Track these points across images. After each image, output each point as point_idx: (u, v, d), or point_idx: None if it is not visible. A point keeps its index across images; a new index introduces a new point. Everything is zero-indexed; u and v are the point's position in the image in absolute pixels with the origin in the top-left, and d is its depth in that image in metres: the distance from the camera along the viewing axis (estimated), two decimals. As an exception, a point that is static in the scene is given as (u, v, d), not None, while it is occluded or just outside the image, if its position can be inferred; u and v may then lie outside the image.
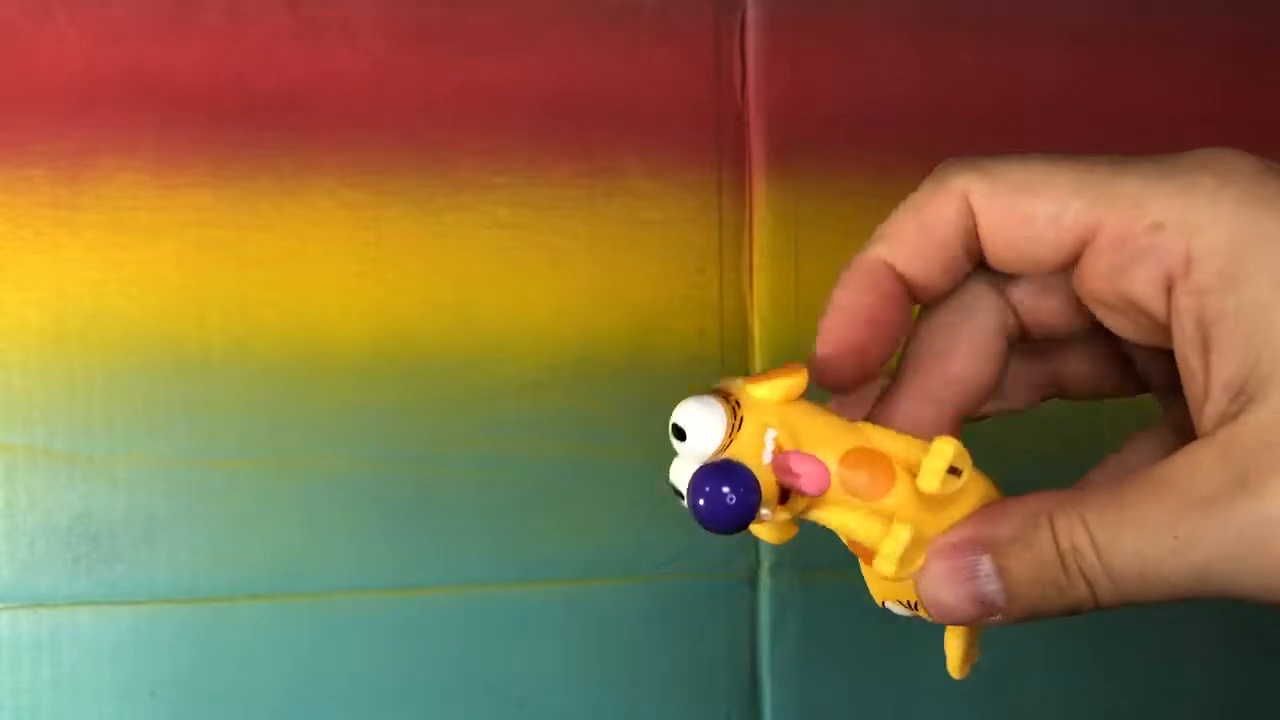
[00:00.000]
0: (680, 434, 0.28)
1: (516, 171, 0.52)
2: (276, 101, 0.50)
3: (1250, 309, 0.25)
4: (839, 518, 0.28)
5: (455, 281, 0.51)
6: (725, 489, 0.27)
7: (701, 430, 0.28)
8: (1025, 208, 0.28)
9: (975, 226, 0.28)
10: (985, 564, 0.27)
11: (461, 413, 0.51)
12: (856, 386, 0.30)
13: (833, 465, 0.28)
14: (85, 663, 0.48)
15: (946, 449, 0.27)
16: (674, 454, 0.29)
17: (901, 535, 0.27)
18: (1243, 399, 0.25)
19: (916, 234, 0.29)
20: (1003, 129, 0.56)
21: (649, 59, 0.53)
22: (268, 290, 0.50)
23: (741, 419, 0.28)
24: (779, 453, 0.28)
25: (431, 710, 0.51)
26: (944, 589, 0.27)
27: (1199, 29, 0.58)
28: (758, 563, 0.54)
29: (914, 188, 0.30)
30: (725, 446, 0.28)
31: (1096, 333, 0.31)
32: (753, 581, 0.54)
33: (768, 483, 0.28)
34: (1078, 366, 0.32)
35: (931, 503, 0.28)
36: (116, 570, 0.48)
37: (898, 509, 0.28)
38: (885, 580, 0.29)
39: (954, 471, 0.27)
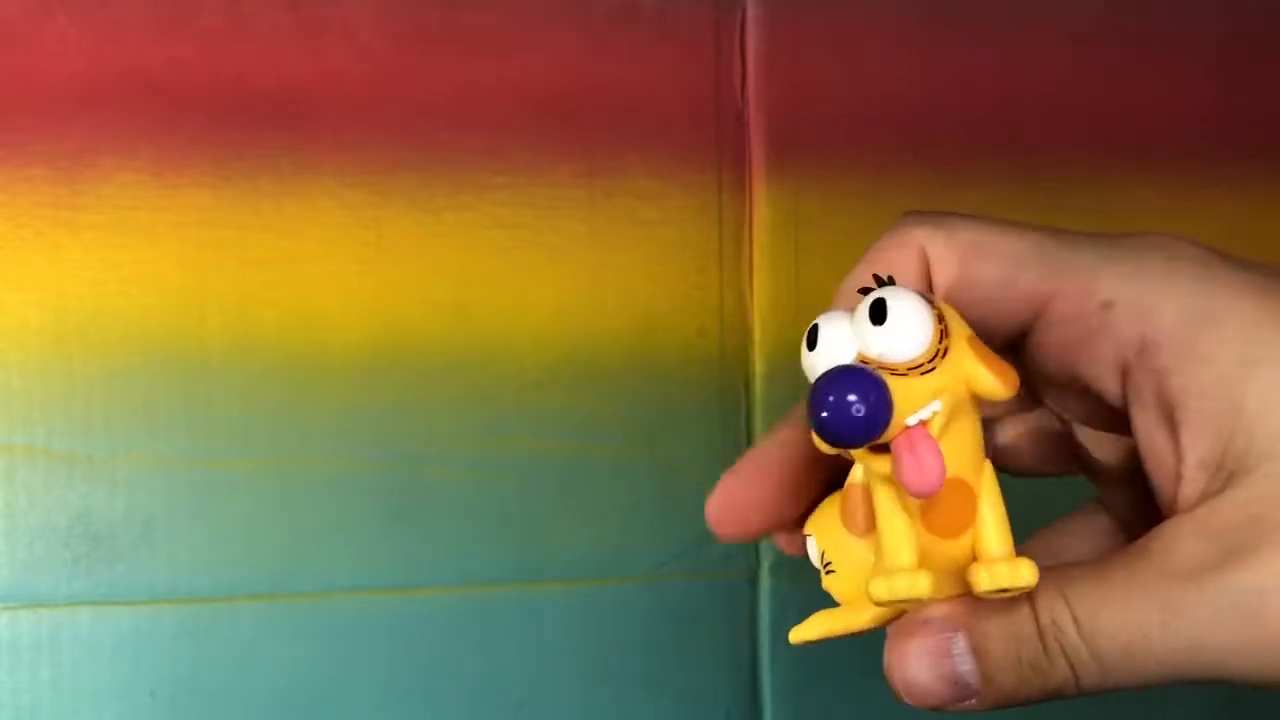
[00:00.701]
0: (879, 313, 0.24)
1: (516, 171, 0.52)
2: (276, 101, 0.50)
3: (1215, 387, 0.25)
4: (885, 518, 0.25)
5: (455, 281, 0.51)
6: (852, 397, 0.23)
7: (911, 328, 0.24)
8: (977, 269, 0.27)
9: (928, 272, 0.28)
10: (960, 642, 0.26)
11: (461, 413, 0.51)
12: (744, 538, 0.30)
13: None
14: (85, 663, 0.48)
15: (1026, 574, 0.24)
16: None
17: (922, 584, 0.24)
18: (1223, 475, 0.25)
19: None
20: (1003, 129, 0.56)
21: (649, 59, 0.53)
22: (268, 290, 0.50)
23: (945, 348, 0.24)
24: (921, 427, 0.24)
25: (431, 710, 0.51)
26: (915, 668, 0.26)
27: (1199, 29, 0.58)
28: (758, 563, 0.54)
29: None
30: (913, 366, 0.24)
31: (1037, 410, 0.30)
32: (753, 581, 0.54)
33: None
34: (1015, 443, 0.31)
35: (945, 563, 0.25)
36: (116, 570, 0.48)
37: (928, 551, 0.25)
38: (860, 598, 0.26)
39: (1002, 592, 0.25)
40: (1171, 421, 0.25)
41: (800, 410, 0.29)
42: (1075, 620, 0.25)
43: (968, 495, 0.25)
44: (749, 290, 0.54)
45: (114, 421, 0.48)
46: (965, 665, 0.26)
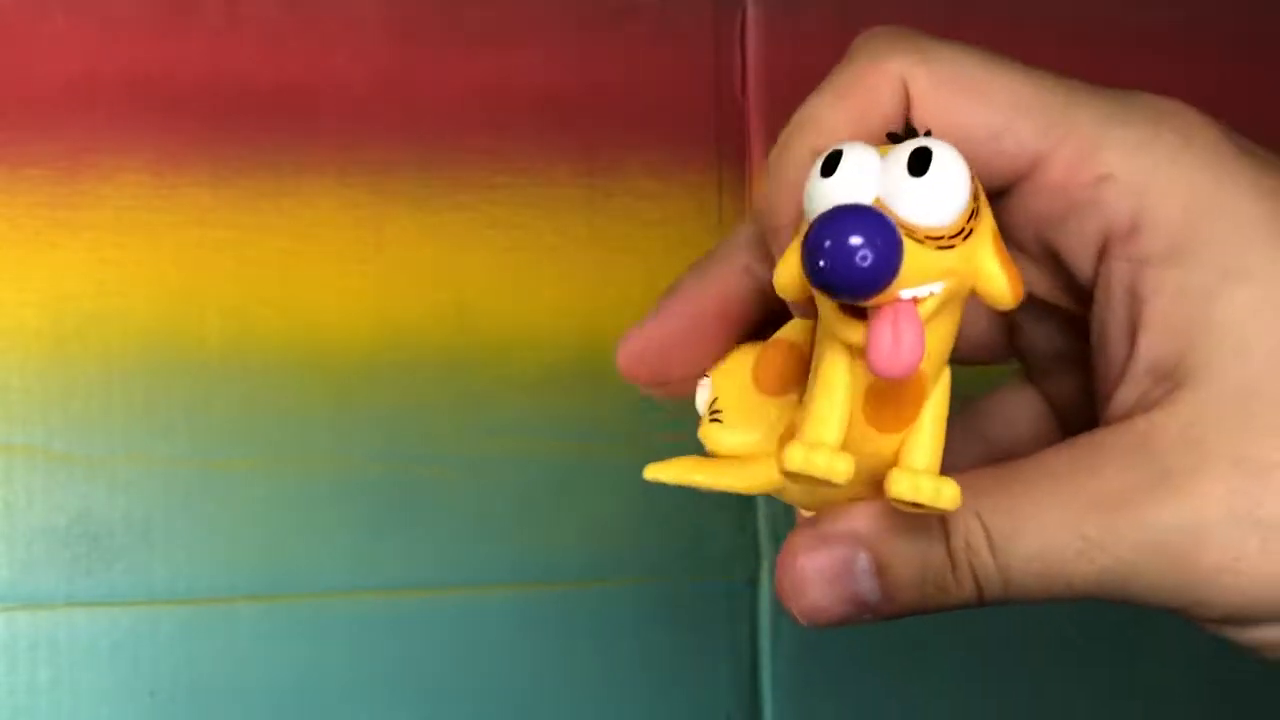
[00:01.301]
0: (921, 164, 0.21)
1: (516, 171, 0.52)
2: (276, 101, 0.50)
3: (1193, 292, 0.22)
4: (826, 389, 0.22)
5: (455, 281, 0.51)
6: (859, 241, 0.20)
7: (951, 191, 0.21)
8: (964, 114, 0.23)
9: (909, 119, 0.24)
10: (862, 560, 0.24)
11: (461, 413, 0.51)
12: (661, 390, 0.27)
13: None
14: (83, 663, 0.48)
15: (949, 496, 0.22)
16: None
17: (840, 467, 0.22)
18: (1168, 385, 0.23)
19: (846, 124, 0.24)
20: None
21: (649, 58, 0.53)
22: (267, 290, 0.50)
23: (970, 229, 0.21)
24: (913, 304, 0.21)
25: (431, 710, 0.51)
26: (813, 588, 0.24)
27: (1199, 29, 0.58)
28: (758, 563, 0.54)
29: None
30: (933, 236, 0.21)
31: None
32: (753, 582, 0.54)
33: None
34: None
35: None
36: (115, 570, 0.48)
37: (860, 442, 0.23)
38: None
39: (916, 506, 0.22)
40: (1134, 316, 0.23)
41: (733, 247, 0.26)
42: (990, 542, 0.23)
43: (918, 395, 0.22)
44: (749, 290, 0.54)
45: (113, 421, 0.48)
46: (866, 584, 0.24)
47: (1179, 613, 0.23)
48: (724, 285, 0.26)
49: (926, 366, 0.22)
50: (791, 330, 0.26)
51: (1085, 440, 0.23)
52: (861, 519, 0.24)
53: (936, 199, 0.21)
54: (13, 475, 0.48)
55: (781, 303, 0.25)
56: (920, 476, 0.22)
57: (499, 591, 0.51)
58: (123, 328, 0.49)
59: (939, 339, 0.22)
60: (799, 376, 0.25)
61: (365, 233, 0.50)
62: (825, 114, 0.25)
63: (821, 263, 0.20)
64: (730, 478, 0.25)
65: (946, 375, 0.23)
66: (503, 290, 0.52)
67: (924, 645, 0.54)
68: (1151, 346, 0.23)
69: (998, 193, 0.24)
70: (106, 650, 0.48)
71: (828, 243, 0.20)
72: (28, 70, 0.48)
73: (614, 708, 0.52)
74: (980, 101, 0.24)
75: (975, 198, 0.21)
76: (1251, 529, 0.21)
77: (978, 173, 0.22)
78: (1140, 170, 0.23)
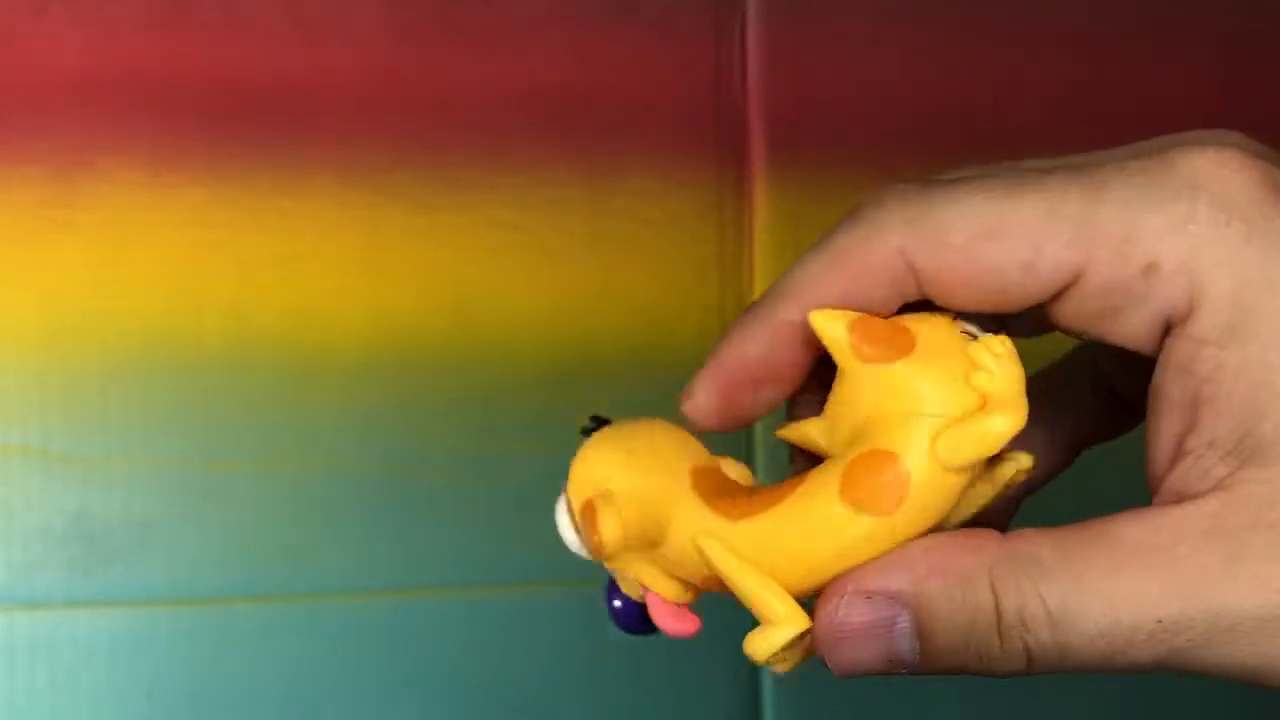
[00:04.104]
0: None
1: (516, 171, 0.52)
2: (274, 100, 0.50)
3: (1256, 368, 0.22)
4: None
5: (454, 281, 0.51)
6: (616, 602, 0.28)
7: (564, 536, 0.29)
8: (990, 259, 0.23)
9: (915, 279, 0.24)
10: (904, 621, 0.23)
11: (461, 413, 0.51)
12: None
13: None
14: (82, 664, 0.48)
15: (760, 647, 0.26)
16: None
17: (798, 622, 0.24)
18: (1233, 462, 0.22)
19: (841, 293, 0.24)
20: (1003, 128, 0.56)
21: (649, 58, 0.53)
22: (266, 290, 0.49)
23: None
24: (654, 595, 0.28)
25: (431, 710, 0.51)
26: (850, 645, 0.24)
27: (1199, 29, 0.58)
28: (758, 563, 0.54)
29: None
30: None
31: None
32: (752, 582, 0.54)
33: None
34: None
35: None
36: (113, 571, 0.48)
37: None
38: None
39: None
40: (1195, 392, 0.23)
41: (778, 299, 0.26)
42: (1050, 619, 0.22)
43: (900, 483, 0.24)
44: (749, 290, 0.54)
45: (111, 422, 0.48)
46: (906, 645, 0.23)
47: (1249, 684, 0.23)
48: (771, 336, 0.26)
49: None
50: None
51: (1154, 517, 0.23)
52: (905, 577, 0.23)
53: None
54: (11, 476, 0.48)
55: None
56: (764, 635, 0.25)
57: (499, 591, 0.51)
58: (121, 328, 0.48)
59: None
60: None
61: (365, 233, 0.50)
62: (817, 282, 0.25)
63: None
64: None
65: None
66: (503, 290, 0.51)
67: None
68: (1215, 423, 0.23)
69: (1048, 299, 0.24)
70: (105, 650, 0.48)
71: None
72: (25, 70, 0.48)
73: (614, 707, 0.52)
74: (996, 242, 0.23)
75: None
76: None
77: (1011, 303, 0.23)
78: (1185, 253, 0.22)
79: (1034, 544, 0.23)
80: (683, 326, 0.53)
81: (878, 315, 0.24)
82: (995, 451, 0.23)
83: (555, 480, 0.27)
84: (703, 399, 0.26)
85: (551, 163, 0.52)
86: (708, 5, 0.53)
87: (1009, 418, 0.23)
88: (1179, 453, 0.23)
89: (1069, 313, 0.24)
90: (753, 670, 0.54)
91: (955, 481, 0.23)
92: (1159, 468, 0.23)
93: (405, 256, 0.51)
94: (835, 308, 0.24)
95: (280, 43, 0.50)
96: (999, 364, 0.23)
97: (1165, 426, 0.23)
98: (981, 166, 0.25)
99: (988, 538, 0.23)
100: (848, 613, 0.24)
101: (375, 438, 0.50)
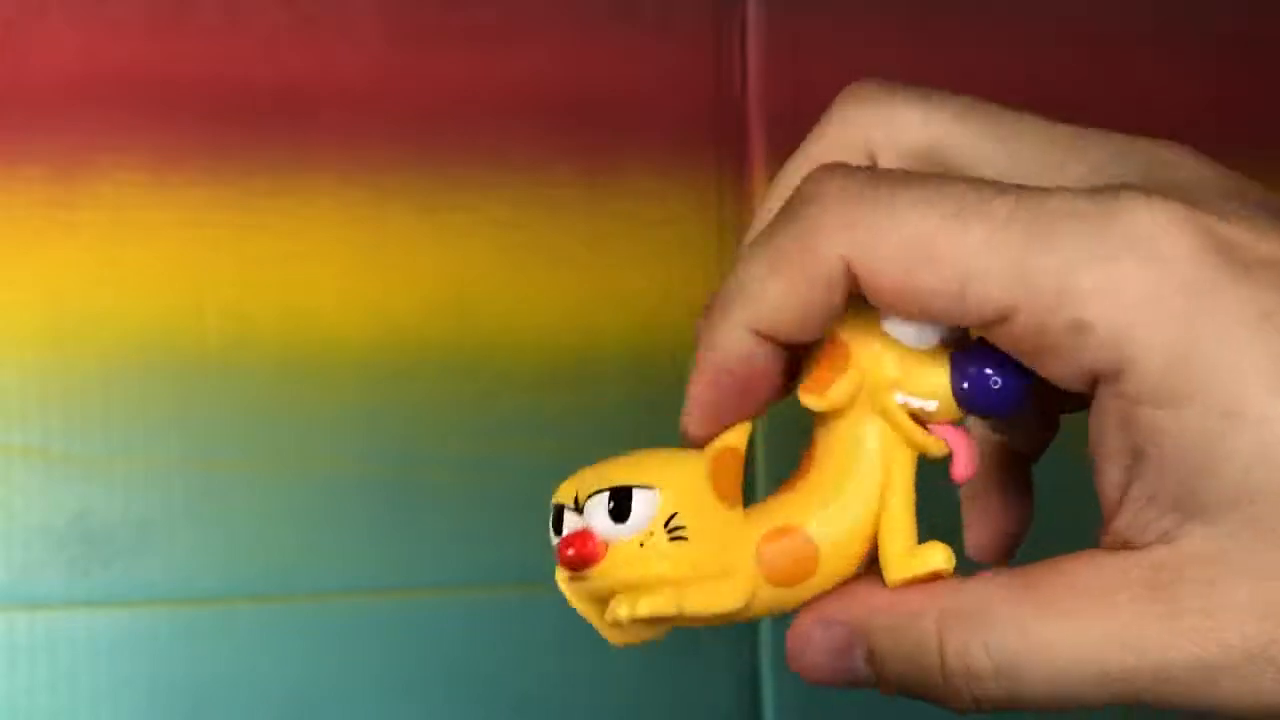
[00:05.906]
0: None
1: (516, 171, 0.52)
2: (275, 100, 0.50)
3: (1194, 432, 0.22)
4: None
5: (455, 281, 0.51)
6: (989, 370, 0.24)
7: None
8: (920, 281, 0.23)
9: (856, 284, 0.24)
10: (858, 650, 0.25)
11: (461, 413, 0.51)
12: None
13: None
14: (82, 664, 0.48)
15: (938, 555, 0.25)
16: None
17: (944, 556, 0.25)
18: (1177, 516, 0.23)
19: (784, 301, 0.24)
20: (1002, 129, 0.56)
21: (649, 58, 0.53)
22: (266, 290, 0.50)
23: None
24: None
25: (431, 710, 0.51)
26: (814, 655, 0.25)
27: (1199, 29, 0.58)
28: (758, 563, 0.54)
29: None
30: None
31: None
32: (752, 582, 0.54)
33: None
34: None
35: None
36: (113, 572, 0.48)
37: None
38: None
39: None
40: (1133, 446, 0.23)
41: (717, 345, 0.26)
42: (996, 669, 0.23)
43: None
44: (749, 290, 0.54)
45: (111, 422, 0.48)
46: (862, 669, 0.25)
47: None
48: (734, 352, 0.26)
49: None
50: (735, 437, 0.26)
51: (1101, 560, 0.23)
52: (862, 609, 0.25)
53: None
54: (11, 476, 0.48)
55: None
56: (910, 557, 0.25)
57: (499, 591, 0.51)
58: (121, 328, 0.48)
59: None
60: (741, 483, 0.26)
61: (365, 232, 0.50)
62: (762, 293, 0.24)
63: (994, 384, 0.24)
64: (721, 598, 0.26)
65: (907, 458, 0.25)
66: (503, 290, 0.51)
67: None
68: (1156, 480, 0.23)
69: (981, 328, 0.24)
70: (105, 650, 0.48)
71: (990, 382, 0.25)
72: (24, 69, 0.48)
73: (614, 708, 0.52)
74: (929, 267, 0.23)
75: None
76: (1266, 665, 0.22)
77: (952, 320, 0.24)
78: (1117, 313, 0.22)
79: (986, 592, 0.24)
80: (683, 326, 0.53)
81: (820, 315, 0.24)
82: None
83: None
84: (697, 414, 0.26)
85: (551, 163, 0.52)
86: (708, 5, 0.53)
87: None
88: (1123, 500, 0.23)
89: (1001, 340, 0.24)
90: (753, 670, 0.54)
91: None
92: (1108, 507, 0.24)
93: (405, 256, 0.51)
94: (779, 315, 0.24)
95: (280, 43, 0.50)
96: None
97: (1108, 471, 0.23)
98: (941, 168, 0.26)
99: (945, 585, 0.24)
100: (812, 627, 0.26)
101: (375, 438, 0.50)
